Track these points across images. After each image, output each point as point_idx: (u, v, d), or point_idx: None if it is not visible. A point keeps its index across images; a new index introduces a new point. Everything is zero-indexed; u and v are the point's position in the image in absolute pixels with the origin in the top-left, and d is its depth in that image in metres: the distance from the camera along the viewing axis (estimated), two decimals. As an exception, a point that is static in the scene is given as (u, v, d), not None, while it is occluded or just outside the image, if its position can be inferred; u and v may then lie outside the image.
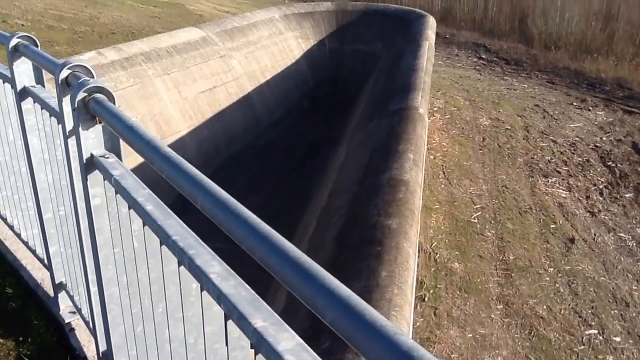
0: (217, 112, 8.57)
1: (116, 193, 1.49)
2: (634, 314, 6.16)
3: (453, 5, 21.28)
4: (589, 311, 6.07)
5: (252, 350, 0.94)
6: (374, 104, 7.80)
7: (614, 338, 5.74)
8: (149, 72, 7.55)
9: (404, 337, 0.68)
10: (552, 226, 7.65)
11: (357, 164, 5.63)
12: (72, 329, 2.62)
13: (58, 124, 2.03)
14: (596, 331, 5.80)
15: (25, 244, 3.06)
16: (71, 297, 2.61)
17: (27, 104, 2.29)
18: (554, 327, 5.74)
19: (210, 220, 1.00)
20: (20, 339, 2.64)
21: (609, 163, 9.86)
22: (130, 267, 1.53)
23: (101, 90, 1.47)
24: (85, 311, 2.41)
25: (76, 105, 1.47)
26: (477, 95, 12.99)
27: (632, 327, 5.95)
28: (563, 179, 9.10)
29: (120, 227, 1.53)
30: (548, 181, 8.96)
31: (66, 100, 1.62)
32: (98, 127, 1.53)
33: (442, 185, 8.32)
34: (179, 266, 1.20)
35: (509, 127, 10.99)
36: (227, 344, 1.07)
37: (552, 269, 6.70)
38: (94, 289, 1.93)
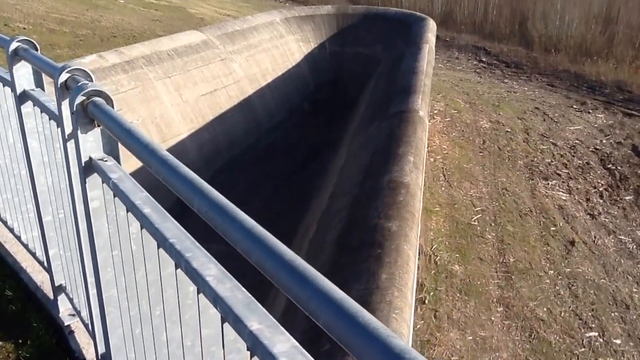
0: (218, 115, 8.58)
1: (114, 196, 1.50)
2: (634, 317, 6.15)
3: (453, 8, 21.30)
4: (589, 313, 6.07)
5: (248, 353, 0.95)
6: (374, 107, 7.81)
7: (615, 340, 5.74)
8: (150, 75, 7.57)
9: (397, 339, 0.68)
10: (552, 229, 7.65)
11: (357, 167, 5.63)
12: (72, 332, 2.63)
13: (57, 127, 2.04)
14: (596, 333, 5.80)
15: (25, 246, 3.07)
16: (70, 300, 2.61)
17: (27, 107, 2.30)
18: (554, 329, 5.74)
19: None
20: (20, 341, 2.65)
21: (609, 165, 9.86)
22: (128, 270, 1.54)
23: (100, 93, 1.48)
24: (84, 314, 2.41)
25: (75, 109, 1.48)
26: (478, 98, 13.00)
27: (633, 330, 5.94)
28: (563, 182, 9.10)
29: (118, 230, 1.54)
30: (548, 184, 8.96)
31: (65, 104, 1.63)
32: (97, 131, 1.54)
33: (443, 188, 8.32)
34: (176, 269, 1.21)
35: (509, 130, 10.99)
36: (223, 347, 1.08)
37: (552, 272, 6.70)
38: (92, 291, 1.94)
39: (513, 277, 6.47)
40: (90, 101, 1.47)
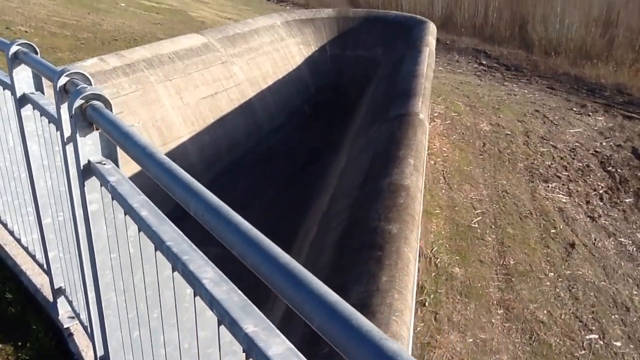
0: (219, 117, 8.59)
1: (113, 199, 1.50)
2: (635, 319, 6.15)
3: (453, 11, 21.33)
4: (590, 316, 6.06)
5: (244, 355, 0.95)
6: (374, 110, 7.81)
7: (615, 343, 5.73)
8: (151, 78, 7.58)
9: (390, 342, 0.69)
10: (552, 231, 7.65)
11: (357, 169, 5.64)
12: (71, 334, 2.63)
13: (57, 130, 2.04)
14: (597, 336, 5.79)
15: (25, 249, 3.07)
16: (70, 303, 2.62)
17: (27, 110, 2.31)
18: (555, 331, 5.74)
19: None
20: (20, 343, 2.66)
21: (609, 168, 9.86)
22: (126, 273, 1.55)
23: (98, 97, 1.49)
24: (83, 316, 2.42)
25: (73, 112, 1.48)
26: (478, 100, 13.01)
27: (633, 332, 5.93)
28: (563, 184, 9.10)
29: (116, 232, 1.54)
30: (548, 186, 8.96)
31: (64, 107, 1.64)
32: (95, 134, 1.55)
33: (443, 190, 8.33)
34: (173, 272, 1.21)
35: (509, 133, 11.00)
36: (220, 349, 1.08)
37: (552, 274, 6.69)
38: (91, 294, 1.94)
39: (513, 279, 6.47)
40: (88, 104, 1.48)
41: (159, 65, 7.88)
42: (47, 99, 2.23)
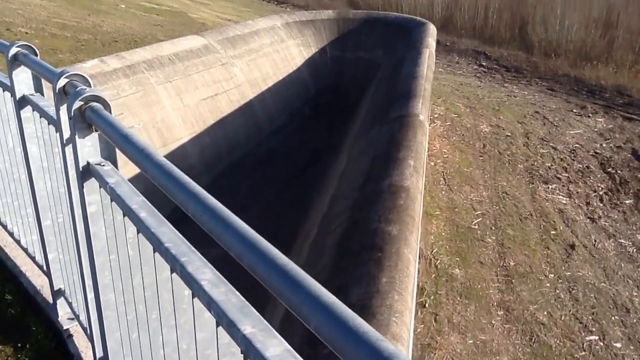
0: (219, 119, 8.60)
1: (111, 200, 1.51)
2: (635, 320, 6.15)
3: (454, 13, 21.35)
4: (590, 317, 6.06)
5: (242, 356, 0.95)
6: (374, 111, 7.82)
7: (615, 344, 5.73)
8: (151, 79, 7.59)
9: (386, 343, 0.69)
10: (552, 232, 7.65)
11: (358, 171, 5.64)
12: (71, 336, 2.63)
13: (56, 132, 2.05)
14: (597, 337, 5.79)
15: (25, 250, 3.08)
16: (69, 304, 2.62)
17: (26, 112, 2.32)
18: (555, 333, 5.73)
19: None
20: (19, 345, 2.66)
21: (609, 169, 9.86)
22: (125, 274, 1.55)
23: (97, 99, 1.49)
24: (83, 317, 2.42)
25: (72, 114, 1.49)
26: (478, 102, 13.02)
27: (633, 333, 5.93)
28: (563, 186, 9.10)
29: (115, 234, 1.55)
30: (548, 187, 8.96)
31: (63, 109, 1.64)
32: (94, 136, 1.55)
33: (443, 192, 8.33)
34: (171, 273, 1.22)
35: (509, 134, 11.00)
36: (218, 351, 1.08)
37: (552, 275, 6.69)
38: (91, 295, 1.95)
39: (513, 280, 6.47)
40: (87, 106, 1.48)
41: (159, 66, 7.88)
42: (47, 101, 2.24)
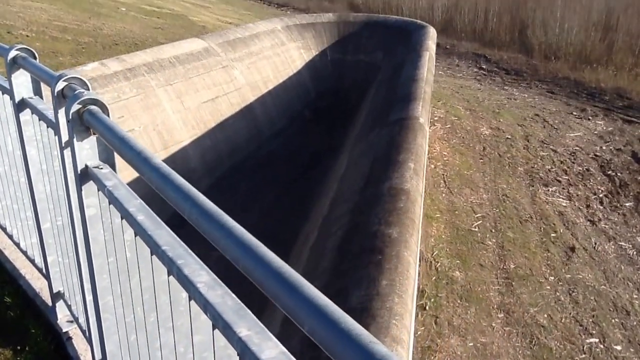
0: (220, 122, 8.61)
1: (109, 203, 1.51)
2: (635, 323, 6.14)
3: (453, 16, 21.39)
4: (590, 320, 6.05)
5: (238, 359, 0.95)
6: (375, 114, 7.82)
7: (615, 347, 5.72)
8: (152, 82, 7.60)
9: (378, 345, 0.70)
10: (552, 235, 7.64)
11: (358, 174, 5.64)
12: (70, 338, 2.64)
13: (55, 135, 2.05)
14: (597, 340, 5.78)
15: (24, 253, 3.08)
16: (69, 307, 2.62)
17: (25, 115, 2.32)
18: (555, 335, 5.73)
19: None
20: (18, 347, 2.66)
21: (609, 172, 9.86)
22: (123, 277, 1.55)
23: (95, 102, 1.50)
24: (82, 320, 2.42)
25: (70, 117, 1.49)
26: (478, 104, 13.03)
27: (633, 336, 5.92)
28: (563, 188, 9.10)
29: (113, 237, 1.55)
30: (548, 190, 8.96)
31: (62, 112, 1.64)
32: (92, 139, 1.56)
33: (443, 194, 8.33)
34: (168, 276, 1.22)
35: (509, 137, 11.01)
36: (214, 353, 1.09)
37: (552, 278, 6.69)
38: (89, 298, 1.95)
39: (513, 283, 6.46)
40: (85, 109, 1.49)
41: (160, 69, 7.90)
42: (46, 104, 2.24)
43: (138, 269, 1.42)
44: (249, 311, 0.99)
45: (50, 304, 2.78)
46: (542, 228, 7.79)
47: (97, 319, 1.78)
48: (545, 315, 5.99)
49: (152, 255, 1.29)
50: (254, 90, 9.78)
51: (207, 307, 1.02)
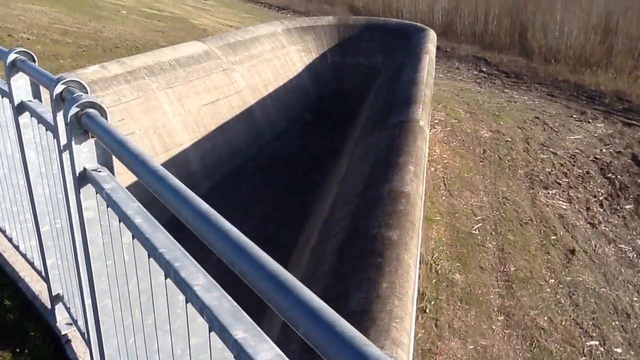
0: (220, 125, 8.62)
1: (107, 206, 1.51)
2: (635, 325, 6.13)
3: (454, 19, 21.41)
4: (590, 322, 6.05)
5: (234, 361, 0.96)
6: (375, 117, 7.83)
7: (615, 349, 5.71)
8: (153, 85, 7.61)
9: (372, 347, 0.70)
10: (552, 237, 7.64)
11: (358, 176, 5.64)
12: (69, 341, 2.64)
13: (54, 138, 2.06)
14: (597, 342, 5.77)
15: (24, 255, 3.08)
16: (68, 309, 2.63)
17: (25, 118, 2.33)
18: (555, 338, 5.72)
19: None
20: (17, 350, 2.66)
21: (609, 175, 9.86)
22: (121, 280, 1.55)
23: (93, 105, 1.50)
24: (81, 323, 2.42)
25: (69, 120, 1.50)
26: (478, 107, 13.03)
27: (633, 339, 5.92)
28: (563, 191, 9.10)
29: (112, 240, 1.55)
30: (548, 193, 8.96)
31: (60, 115, 1.65)
32: (91, 142, 1.56)
33: (443, 197, 8.33)
34: (165, 278, 1.22)
35: (509, 139, 11.01)
36: (211, 356, 1.09)
37: (553, 280, 6.68)
38: (88, 301, 1.95)
39: (514, 286, 6.46)
40: (84, 112, 1.49)
41: (160, 72, 7.91)
42: (45, 107, 2.25)
43: (136, 271, 1.43)
44: (245, 314, 0.99)
45: (49, 306, 2.79)
46: (542, 231, 7.79)
47: (96, 322, 1.79)
48: (546, 318, 5.99)
49: (149, 258, 1.29)
50: (254, 93, 9.80)
51: (203, 309, 1.02)
